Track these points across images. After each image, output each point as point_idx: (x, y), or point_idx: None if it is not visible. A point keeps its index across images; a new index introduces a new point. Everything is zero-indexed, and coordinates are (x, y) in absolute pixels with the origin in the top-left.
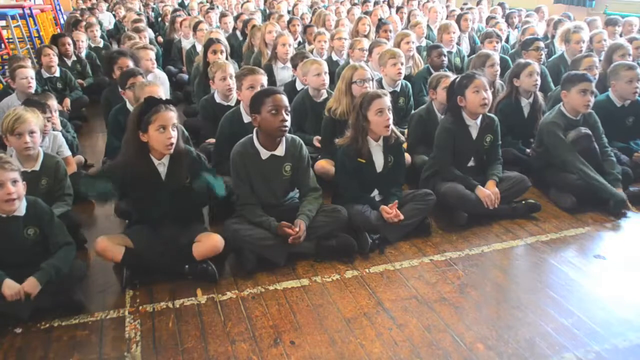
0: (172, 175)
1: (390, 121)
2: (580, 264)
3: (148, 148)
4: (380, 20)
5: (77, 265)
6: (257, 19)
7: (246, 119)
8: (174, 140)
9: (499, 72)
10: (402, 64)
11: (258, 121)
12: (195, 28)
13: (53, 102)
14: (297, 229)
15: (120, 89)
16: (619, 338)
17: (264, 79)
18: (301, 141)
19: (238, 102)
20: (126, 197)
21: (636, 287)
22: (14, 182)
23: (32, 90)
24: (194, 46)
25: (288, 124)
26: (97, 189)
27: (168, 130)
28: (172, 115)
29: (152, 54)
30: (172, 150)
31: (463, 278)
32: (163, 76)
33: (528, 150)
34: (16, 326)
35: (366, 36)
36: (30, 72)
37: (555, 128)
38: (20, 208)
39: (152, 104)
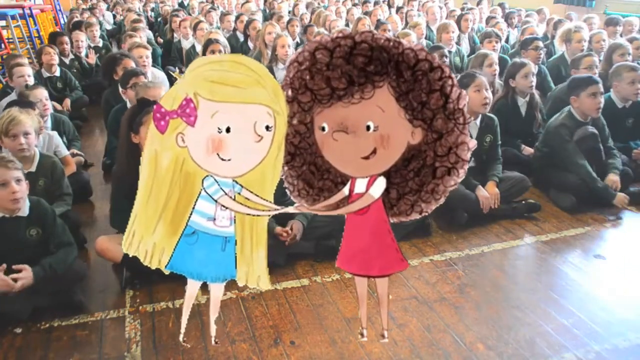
0: None
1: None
2: (581, 264)
3: (139, 150)
4: (378, 20)
5: (77, 265)
6: (259, 20)
7: None
8: None
9: (497, 72)
10: None
11: None
12: (195, 28)
13: (42, 92)
14: (289, 230)
15: (120, 88)
16: (619, 338)
17: None
18: None
19: None
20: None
21: (636, 287)
22: (18, 181)
23: None
24: (193, 46)
25: None
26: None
27: None
28: None
29: (145, 52)
30: None
31: (463, 278)
32: (162, 76)
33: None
34: (16, 326)
35: None
36: (27, 70)
37: (562, 131)
38: (24, 209)
39: (144, 105)
